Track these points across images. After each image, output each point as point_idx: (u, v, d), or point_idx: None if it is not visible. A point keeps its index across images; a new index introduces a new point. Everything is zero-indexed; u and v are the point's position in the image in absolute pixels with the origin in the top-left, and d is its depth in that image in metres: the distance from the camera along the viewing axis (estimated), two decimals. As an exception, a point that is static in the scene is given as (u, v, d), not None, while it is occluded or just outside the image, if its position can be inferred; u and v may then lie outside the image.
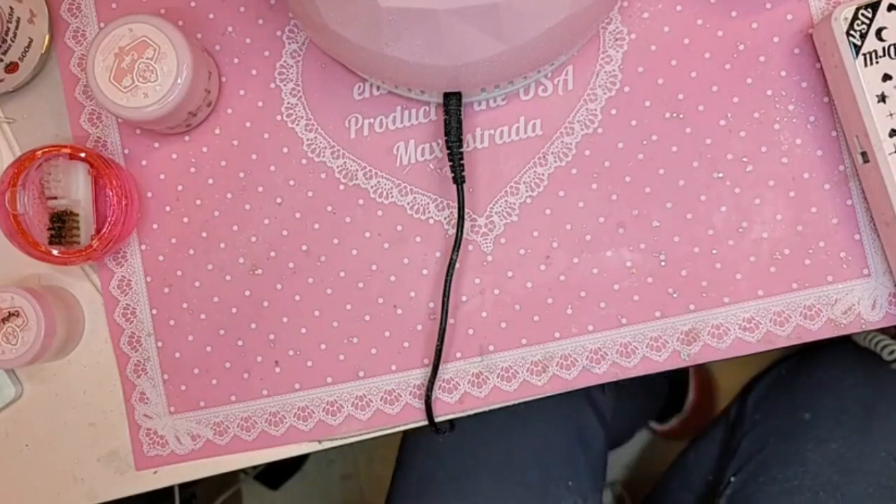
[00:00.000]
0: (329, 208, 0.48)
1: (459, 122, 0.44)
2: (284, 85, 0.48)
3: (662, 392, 1.07)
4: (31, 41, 0.47)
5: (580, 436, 0.65)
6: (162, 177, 0.48)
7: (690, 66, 0.46)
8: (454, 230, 0.46)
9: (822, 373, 0.63)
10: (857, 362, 0.61)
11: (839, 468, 0.56)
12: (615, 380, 0.47)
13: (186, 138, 0.48)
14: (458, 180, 0.44)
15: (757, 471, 0.61)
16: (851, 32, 0.41)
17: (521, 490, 0.60)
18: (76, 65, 0.48)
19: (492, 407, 0.47)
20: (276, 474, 1.12)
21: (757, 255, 0.45)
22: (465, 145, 0.47)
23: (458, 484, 0.61)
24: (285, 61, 0.48)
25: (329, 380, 0.48)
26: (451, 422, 0.48)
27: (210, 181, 0.48)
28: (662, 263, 0.46)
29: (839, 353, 0.64)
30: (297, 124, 0.48)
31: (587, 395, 0.68)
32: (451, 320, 0.47)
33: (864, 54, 0.41)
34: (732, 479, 0.62)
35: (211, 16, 0.48)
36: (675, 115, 0.46)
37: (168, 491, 0.74)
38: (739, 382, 0.76)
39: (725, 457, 0.66)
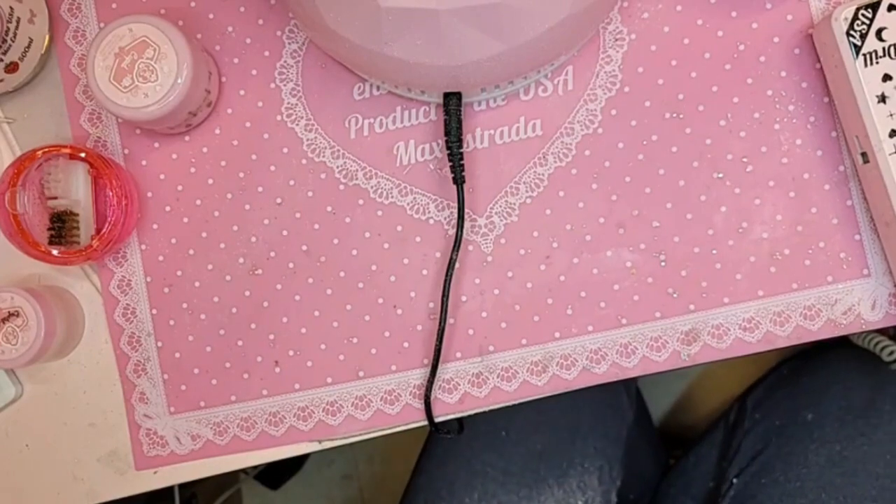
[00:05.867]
0: (329, 208, 0.48)
1: (459, 122, 0.44)
2: (284, 85, 0.48)
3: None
4: (31, 41, 0.47)
5: (611, 402, 0.66)
6: (162, 177, 0.48)
7: (690, 67, 0.46)
8: (454, 230, 0.46)
9: (824, 373, 0.63)
10: (860, 363, 0.61)
11: (842, 470, 0.56)
12: (615, 380, 0.47)
13: (186, 138, 0.48)
14: (458, 180, 0.44)
15: (759, 472, 0.60)
16: (851, 33, 0.41)
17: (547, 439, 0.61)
18: (76, 65, 0.48)
19: (492, 407, 0.47)
20: (276, 474, 1.12)
21: (757, 255, 0.45)
22: (465, 145, 0.47)
23: (483, 440, 0.61)
24: (285, 61, 0.48)
25: (329, 380, 0.48)
26: (461, 422, 0.48)
27: (210, 181, 0.48)
28: (662, 264, 0.46)
29: (841, 353, 0.64)
30: (297, 124, 0.48)
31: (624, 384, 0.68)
32: (450, 320, 0.47)
33: (865, 54, 0.41)
34: (735, 480, 0.62)
35: (211, 16, 0.48)
36: (675, 115, 0.46)
37: (168, 491, 0.74)
38: (736, 384, 0.75)
39: (725, 458, 0.66)
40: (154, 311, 0.48)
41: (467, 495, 0.61)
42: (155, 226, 0.48)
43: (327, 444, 0.48)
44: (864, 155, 0.42)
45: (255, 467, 1.04)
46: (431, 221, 0.47)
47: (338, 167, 0.48)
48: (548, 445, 0.63)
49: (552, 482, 0.61)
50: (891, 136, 0.41)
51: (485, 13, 0.36)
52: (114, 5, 0.48)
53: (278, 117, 0.48)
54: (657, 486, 0.74)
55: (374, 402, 0.47)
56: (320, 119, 0.48)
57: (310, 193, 0.48)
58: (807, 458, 0.58)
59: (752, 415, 0.66)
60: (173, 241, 0.48)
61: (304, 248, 0.48)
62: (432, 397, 0.46)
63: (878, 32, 0.41)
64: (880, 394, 0.58)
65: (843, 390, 0.60)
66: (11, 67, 0.47)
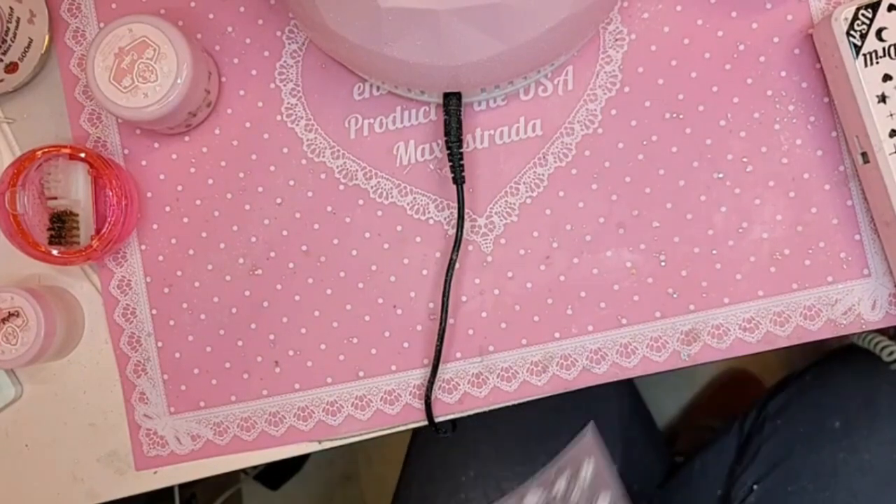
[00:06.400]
0: (329, 208, 0.48)
1: (459, 122, 0.44)
2: (284, 85, 0.48)
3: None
4: (31, 41, 0.47)
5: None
6: (162, 177, 0.48)
7: (690, 67, 0.46)
8: (454, 230, 0.46)
9: (850, 380, 0.62)
10: (886, 368, 0.61)
11: (874, 479, 0.55)
12: (615, 380, 0.47)
13: (186, 138, 0.48)
14: (458, 180, 0.44)
15: (784, 479, 0.59)
16: (851, 33, 0.41)
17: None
18: (76, 65, 0.48)
19: (492, 407, 0.47)
20: (276, 474, 1.12)
21: (757, 255, 0.45)
22: (465, 145, 0.47)
23: (472, 418, 0.61)
24: (285, 61, 0.48)
25: (329, 380, 0.48)
26: (454, 422, 0.48)
27: (210, 181, 0.48)
28: (662, 264, 0.46)
29: (865, 359, 0.63)
30: (297, 124, 0.48)
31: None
32: (450, 320, 0.47)
33: (865, 54, 0.41)
34: (755, 487, 0.61)
35: (211, 16, 0.48)
36: (675, 115, 0.46)
37: (168, 491, 0.74)
38: (739, 391, 0.75)
39: (740, 464, 0.65)
40: (154, 311, 0.48)
41: (463, 473, 0.61)
42: (155, 226, 0.48)
43: (327, 444, 0.48)
44: (864, 155, 0.42)
45: (255, 467, 1.04)
46: (431, 221, 0.47)
47: (338, 167, 0.48)
48: (536, 423, 0.63)
49: (545, 459, 0.61)
50: (891, 135, 0.41)
51: (485, 13, 0.36)
52: (114, 5, 0.48)
53: (278, 117, 0.48)
54: (662, 483, 0.74)
55: (374, 402, 0.47)
56: (320, 119, 0.48)
57: (310, 193, 0.48)
58: (836, 468, 0.57)
59: (774, 421, 0.64)
60: (173, 241, 0.48)
61: (304, 248, 0.48)
62: (432, 397, 0.46)
63: (878, 32, 0.41)
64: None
65: (870, 397, 0.59)
66: (11, 67, 0.47)
